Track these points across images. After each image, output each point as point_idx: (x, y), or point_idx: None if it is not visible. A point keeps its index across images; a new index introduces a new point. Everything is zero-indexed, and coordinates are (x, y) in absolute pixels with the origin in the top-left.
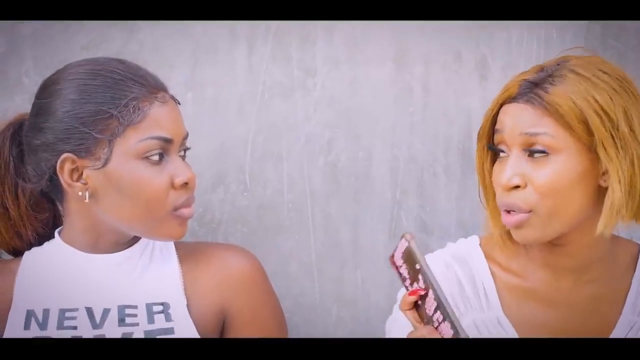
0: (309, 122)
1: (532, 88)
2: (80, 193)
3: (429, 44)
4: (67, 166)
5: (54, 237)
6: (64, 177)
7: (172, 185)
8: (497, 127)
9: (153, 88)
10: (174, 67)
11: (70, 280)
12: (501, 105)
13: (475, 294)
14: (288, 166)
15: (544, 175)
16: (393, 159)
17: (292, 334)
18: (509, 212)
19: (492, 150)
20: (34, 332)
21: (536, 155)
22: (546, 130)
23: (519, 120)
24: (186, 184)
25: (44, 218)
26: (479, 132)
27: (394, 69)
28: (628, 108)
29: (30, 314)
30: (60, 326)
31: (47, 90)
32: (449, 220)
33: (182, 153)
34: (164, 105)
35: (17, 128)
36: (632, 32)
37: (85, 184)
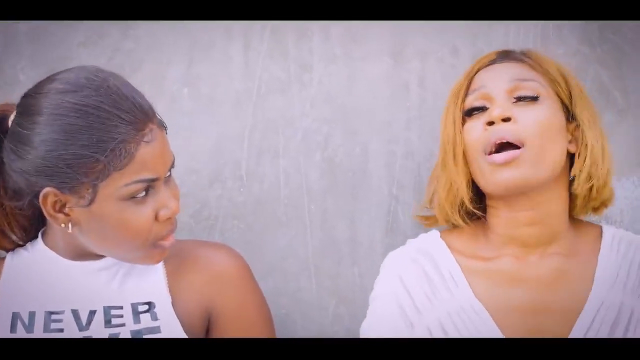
0: (305, 117)
1: (512, 54)
2: (62, 225)
3: (426, 39)
4: (50, 199)
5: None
6: (47, 209)
7: (156, 218)
8: (472, 87)
9: (140, 124)
10: (170, 63)
11: (55, 283)
12: (477, 72)
13: (445, 284)
14: (284, 162)
15: (534, 115)
16: (390, 154)
17: (289, 331)
18: (492, 153)
19: (465, 115)
20: (21, 335)
21: (524, 100)
22: (535, 79)
23: (507, 72)
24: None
25: (29, 214)
26: (453, 92)
27: (391, 65)
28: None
29: (16, 317)
30: (46, 329)
31: (28, 119)
32: None
33: (168, 174)
34: (150, 143)
35: None
36: (630, 26)
37: (68, 215)
